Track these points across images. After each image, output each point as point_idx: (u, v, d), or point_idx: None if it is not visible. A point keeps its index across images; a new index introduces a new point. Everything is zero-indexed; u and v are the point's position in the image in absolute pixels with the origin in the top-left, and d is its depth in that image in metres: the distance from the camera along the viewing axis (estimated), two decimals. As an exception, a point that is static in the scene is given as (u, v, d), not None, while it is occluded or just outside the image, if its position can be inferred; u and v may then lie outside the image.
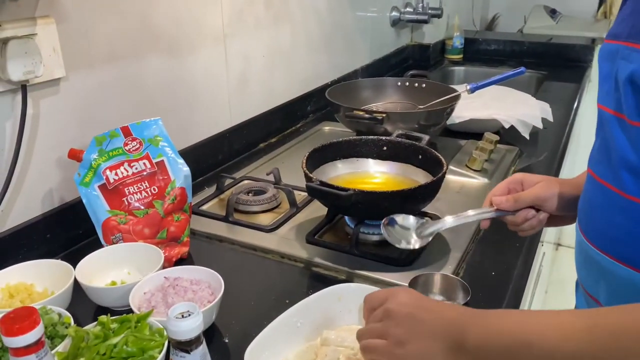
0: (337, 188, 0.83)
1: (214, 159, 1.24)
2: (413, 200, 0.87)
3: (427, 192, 0.87)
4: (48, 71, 0.83)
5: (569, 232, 2.63)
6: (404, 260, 0.86)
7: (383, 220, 0.79)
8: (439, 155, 0.95)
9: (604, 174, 0.62)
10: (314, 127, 1.51)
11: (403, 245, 0.79)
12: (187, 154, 1.13)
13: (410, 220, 0.81)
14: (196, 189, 1.13)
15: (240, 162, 1.29)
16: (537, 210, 0.77)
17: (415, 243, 0.79)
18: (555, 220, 0.80)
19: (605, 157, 0.62)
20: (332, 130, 1.48)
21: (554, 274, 2.40)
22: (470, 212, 0.79)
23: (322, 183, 0.85)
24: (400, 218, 0.81)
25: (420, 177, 1.00)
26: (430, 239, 0.80)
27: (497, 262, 0.87)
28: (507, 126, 1.34)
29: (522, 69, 1.28)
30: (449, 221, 0.79)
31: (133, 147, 0.87)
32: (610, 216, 0.61)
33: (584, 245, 0.66)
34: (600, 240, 0.64)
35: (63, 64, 0.85)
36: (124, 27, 0.96)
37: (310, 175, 0.88)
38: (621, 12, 0.64)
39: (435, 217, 0.98)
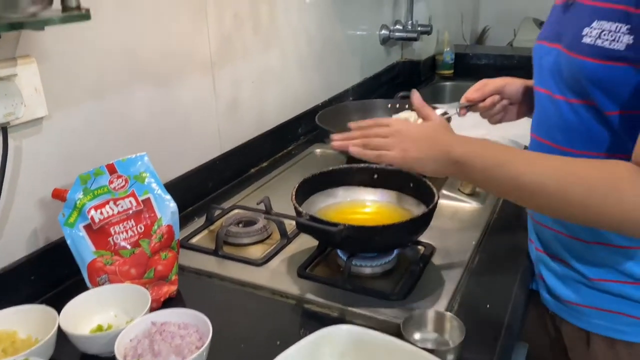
0: (327, 223, 0.82)
1: (204, 187, 1.23)
2: (405, 233, 0.85)
3: (419, 224, 0.86)
4: (30, 111, 0.81)
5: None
6: (398, 294, 0.84)
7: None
8: (430, 184, 0.94)
9: (545, 135, 0.83)
10: (305, 150, 1.50)
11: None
12: (177, 184, 1.13)
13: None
14: (186, 219, 1.11)
15: (231, 189, 1.27)
16: (501, 98, 1.00)
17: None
18: (520, 110, 1.03)
19: (541, 122, 0.85)
20: (323, 153, 1.46)
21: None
22: (451, 106, 1.02)
23: (312, 218, 0.84)
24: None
25: (412, 205, 0.98)
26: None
27: (491, 294, 0.86)
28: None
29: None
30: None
31: (118, 185, 0.85)
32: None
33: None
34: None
35: (45, 103, 0.83)
36: (109, 62, 0.95)
37: (300, 209, 0.87)
38: (547, 20, 0.87)
39: (428, 247, 0.97)
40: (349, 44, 1.82)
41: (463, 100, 1.02)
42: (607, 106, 0.71)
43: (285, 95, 1.50)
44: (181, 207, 1.12)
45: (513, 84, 1.01)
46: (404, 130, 0.78)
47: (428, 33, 2.10)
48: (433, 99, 2.19)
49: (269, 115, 1.44)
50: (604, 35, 0.69)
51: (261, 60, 1.37)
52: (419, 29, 2.06)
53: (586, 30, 0.71)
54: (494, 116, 1.03)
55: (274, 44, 1.41)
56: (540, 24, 2.83)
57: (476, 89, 1.02)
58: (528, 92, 0.99)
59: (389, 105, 1.42)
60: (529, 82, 0.99)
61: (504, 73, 2.22)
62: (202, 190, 1.22)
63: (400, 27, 2.09)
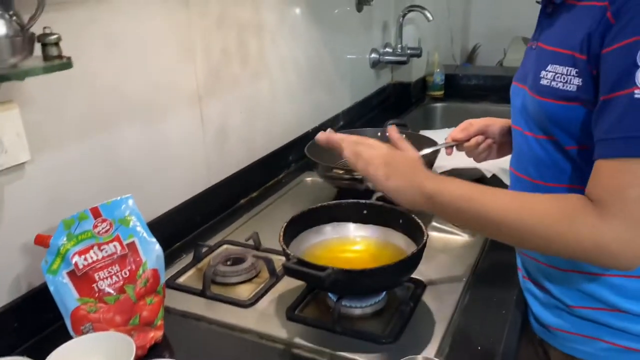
0: (315, 267, 0.80)
1: (192, 222, 1.21)
2: (394, 275, 0.84)
3: (409, 265, 0.85)
4: (11, 157, 0.80)
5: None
6: (388, 336, 0.83)
7: None
8: (419, 221, 0.93)
9: (520, 168, 0.88)
10: (296, 178, 1.49)
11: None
12: (164, 220, 1.12)
13: None
14: (173, 256, 1.10)
15: (220, 222, 1.26)
16: (485, 138, 1.04)
17: None
18: (503, 149, 1.06)
19: (517, 157, 0.90)
20: (314, 182, 1.46)
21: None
22: (437, 146, 1.07)
23: (299, 262, 0.82)
24: None
25: (401, 241, 0.98)
26: None
27: (482, 335, 0.84)
28: (489, 175, 1.33)
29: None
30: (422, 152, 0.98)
31: (103, 229, 0.84)
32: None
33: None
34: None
35: (28, 147, 0.82)
36: (94, 102, 0.94)
37: (288, 251, 0.86)
38: (521, 62, 0.90)
39: (418, 284, 0.96)
40: (338, 69, 1.82)
41: (449, 139, 1.06)
42: (566, 141, 0.77)
43: (275, 124, 1.50)
44: (168, 243, 1.12)
45: (495, 125, 1.05)
46: (396, 156, 0.82)
47: (418, 56, 2.11)
48: (424, 120, 2.20)
49: (258, 145, 1.43)
50: (557, 77, 0.74)
51: (249, 91, 1.37)
52: (408, 52, 2.07)
53: (543, 72, 0.77)
54: (479, 155, 1.07)
55: (262, 74, 1.41)
56: (529, 43, 2.85)
57: (461, 129, 1.06)
58: (509, 132, 1.02)
59: (379, 134, 1.42)
60: (510, 122, 1.02)
61: (494, 93, 2.27)
62: (190, 224, 1.20)
63: (390, 50, 2.09)
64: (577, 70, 0.71)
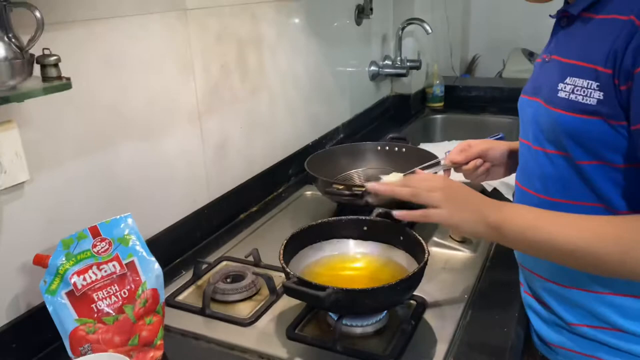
0: (315, 287, 0.80)
1: (192, 237, 1.21)
2: (395, 294, 0.84)
3: (410, 284, 0.85)
4: (10, 177, 0.80)
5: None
6: (389, 356, 0.82)
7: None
8: (419, 238, 0.93)
9: (527, 183, 0.87)
10: (296, 192, 1.48)
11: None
12: (164, 236, 1.12)
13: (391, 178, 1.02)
14: (173, 273, 1.10)
15: (220, 237, 1.25)
16: (484, 161, 1.05)
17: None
18: (503, 171, 1.08)
19: (523, 171, 0.90)
20: (314, 196, 1.45)
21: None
22: (435, 168, 1.06)
23: (300, 281, 0.82)
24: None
25: (402, 258, 0.97)
26: None
27: (485, 353, 0.84)
28: (489, 189, 1.33)
29: (501, 135, 1.27)
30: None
31: (102, 248, 0.83)
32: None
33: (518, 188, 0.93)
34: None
35: (27, 167, 0.82)
36: (94, 120, 0.94)
37: (287, 269, 0.85)
38: (530, 77, 0.90)
39: (420, 301, 0.95)
40: (337, 82, 1.82)
41: (447, 161, 1.06)
42: (578, 156, 0.76)
43: (275, 138, 1.50)
44: (168, 260, 1.12)
45: (497, 149, 1.05)
46: (454, 187, 0.83)
47: (417, 68, 2.11)
48: (424, 132, 2.20)
49: (258, 159, 1.43)
50: (577, 90, 0.74)
51: (249, 106, 1.37)
52: (407, 64, 2.07)
53: (560, 85, 0.76)
54: (477, 178, 1.07)
55: (261, 89, 1.41)
56: (529, 54, 2.86)
57: (460, 151, 1.06)
58: (512, 156, 1.04)
59: (379, 148, 1.42)
60: (514, 145, 1.04)
61: (493, 105, 2.27)
62: (189, 240, 1.20)
63: (390, 63, 2.10)
64: (598, 84, 0.71)
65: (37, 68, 0.72)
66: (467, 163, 1.05)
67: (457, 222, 0.80)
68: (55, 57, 0.70)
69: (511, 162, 1.05)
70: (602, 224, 0.72)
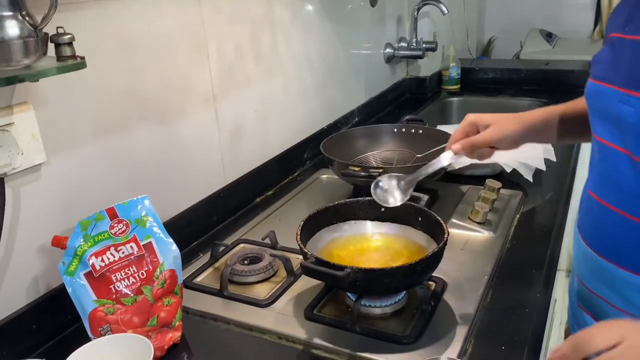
0: (333, 267, 0.79)
1: (209, 221, 1.21)
2: (415, 274, 0.82)
3: (429, 264, 0.83)
4: (27, 159, 0.80)
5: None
6: (409, 337, 0.81)
7: (372, 185, 0.93)
8: (439, 218, 0.91)
9: (613, 200, 0.71)
10: (311, 176, 1.47)
11: (391, 203, 0.92)
12: (181, 219, 1.11)
13: (393, 181, 0.94)
14: (190, 255, 1.09)
15: (236, 221, 1.25)
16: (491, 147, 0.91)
17: (398, 199, 0.93)
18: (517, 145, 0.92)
19: (612, 186, 0.72)
20: (330, 179, 1.44)
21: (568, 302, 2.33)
22: (435, 162, 0.93)
23: (318, 261, 0.81)
24: (384, 182, 0.94)
25: (421, 239, 0.96)
26: (410, 192, 0.93)
27: (506, 335, 0.82)
28: (509, 170, 1.31)
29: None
30: (421, 172, 0.92)
31: (119, 230, 0.83)
32: (622, 235, 0.70)
33: (590, 255, 0.77)
34: (613, 254, 0.73)
35: (43, 149, 0.82)
36: (109, 102, 0.94)
37: (305, 250, 0.84)
38: (600, 55, 0.74)
39: (439, 282, 0.94)
40: (352, 65, 1.80)
41: (449, 147, 0.93)
42: None
43: (289, 121, 1.48)
44: (185, 243, 1.11)
45: (513, 136, 0.89)
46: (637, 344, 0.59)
47: (433, 50, 2.08)
48: (441, 115, 2.17)
49: (273, 143, 1.42)
50: None
51: (264, 89, 1.36)
52: (423, 46, 2.04)
53: None
54: (480, 157, 0.94)
55: (276, 72, 1.39)
56: (547, 35, 2.80)
57: (464, 144, 0.90)
58: (525, 137, 0.90)
59: (395, 130, 1.40)
60: (526, 121, 0.89)
61: (511, 87, 2.22)
62: (206, 224, 1.20)
63: (405, 45, 2.07)
64: None
65: (51, 49, 0.72)
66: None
67: None
68: (69, 36, 0.69)
69: (526, 139, 0.90)
70: None
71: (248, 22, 1.27)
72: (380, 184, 0.94)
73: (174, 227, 0.99)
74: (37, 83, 0.80)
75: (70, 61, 0.69)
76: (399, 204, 0.92)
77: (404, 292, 0.89)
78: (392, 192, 0.93)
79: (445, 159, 0.92)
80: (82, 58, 0.71)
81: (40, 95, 0.82)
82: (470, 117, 0.92)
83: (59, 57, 0.69)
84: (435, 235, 0.91)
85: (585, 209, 0.78)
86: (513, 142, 0.90)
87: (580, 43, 2.85)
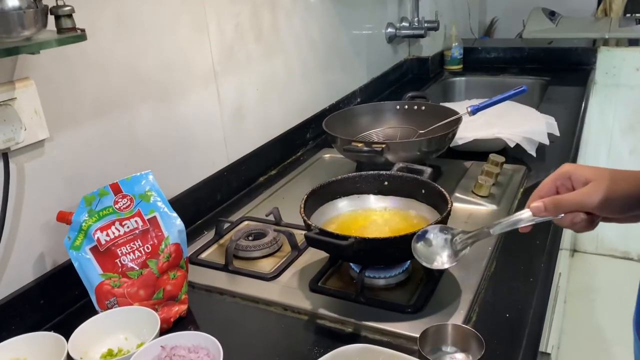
0: (337, 237, 0.79)
1: (212, 200, 1.21)
2: (418, 243, 0.82)
3: (433, 233, 0.83)
4: (30, 134, 0.80)
5: (586, 237, 2.58)
6: (413, 306, 0.81)
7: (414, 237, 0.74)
8: (442, 190, 0.91)
9: None
10: (314, 155, 1.47)
11: (435, 265, 0.72)
12: (185, 198, 1.12)
13: (443, 235, 0.74)
14: (195, 233, 1.10)
15: (240, 200, 1.25)
16: (588, 212, 0.65)
17: (447, 261, 0.73)
18: (617, 218, 0.67)
19: None
20: (332, 158, 1.44)
21: (571, 283, 2.34)
22: (506, 221, 0.69)
23: (321, 232, 0.81)
24: (431, 234, 0.74)
25: (424, 211, 0.96)
26: (465, 252, 0.73)
27: (510, 302, 0.83)
28: (512, 145, 1.30)
29: (524, 87, 1.23)
30: (484, 231, 0.71)
31: (124, 204, 0.84)
32: None
33: None
34: None
35: (46, 125, 0.82)
36: (110, 80, 0.94)
37: (309, 222, 0.85)
38: None
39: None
40: (354, 45, 1.79)
41: (527, 208, 0.68)
42: None
43: (291, 101, 1.48)
44: (189, 221, 1.12)
45: (619, 199, 0.64)
46: None
47: (435, 29, 2.06)
48: (443, 95, 2.16)
49: (275, 122, 1.42)
50: None
51: (265, 68, 1.35)
52: (425, 25, 2.03)
53: None
54: (578, 230, 0.68)
55: (277, 50, 1.39)
56: (550, 13, 2.78)
57: (547, 204, 0.66)
58: (631, 202, 0.64)
59: (397, 107, 1.39)
60: (636, 180, 0.64)
61: (514, 66, 2.21)
62: (210, 202, 1.20)
63: (407, 25, 2.05)
64: None
65: (51, 22, 0.72)
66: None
67: None
68: (69, 8, 0.69)
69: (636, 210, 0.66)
70: None
71: (248, 1, 1.26)
72: (427, 235, 0.75)
73: (177, 205, 0.99)
74: (38, 59, 0.80)
75: (70, 33, 0.69)
76: (446, 266, 0.74)
77: (408, 262, 0.89)
78: (438, 250, 0.74)
79: (522, 220, 0.69)
80: (83, 30, 0.71)
81: (41, 71, 0.82)
82: (565, 167, 0.68)
83: (59, 30, 0.69)
84: (439, 206, 0.91)
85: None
86: (620, 208, 0.65)
87: (584, 21, 2.82)
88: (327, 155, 1.46)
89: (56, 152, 0.86)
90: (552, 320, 1.36)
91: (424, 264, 0.73)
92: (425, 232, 0.74)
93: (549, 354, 0.93)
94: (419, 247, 0.74)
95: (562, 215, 0.66)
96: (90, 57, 0.89)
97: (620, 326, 0.62)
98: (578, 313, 2.25)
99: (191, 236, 1.07)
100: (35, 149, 0.82)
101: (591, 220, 0.66)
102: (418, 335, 0.71)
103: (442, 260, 0.73)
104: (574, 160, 1.37)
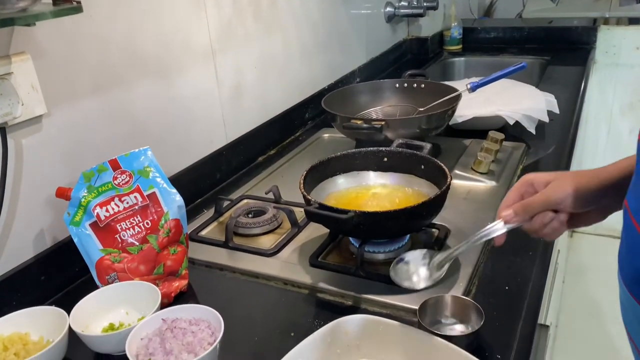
0: (337, 211, 0.79)
1: (212, 178, 1.21)
2: (418, 217, 0.83)
3: (432, 207, 0.83)
4: (28, 109, 0.79)
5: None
6: (413, 279, 0.82)
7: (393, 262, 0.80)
8: (442, 164, 0.91)
9: None
10: (313, 135, 1.47)
11: (406, 284, 0.78)
12: (184, 176, 1.11)
13: (416, 255, 0.80)
14: (194, 212, 1.10)
15: (239, 179, 1.25)
16: (555, 211, 0.68)
17: (421, 282, 0.78)
18: (583, 218, 0.70)
19: None
20: (331, 138, 1.44)
21: (570, 262, 2.35)
22: (481, 233, 0.73)
23: (321, 206, 0.81)
24: (408, 255, 0.80)
25: (423, 187, 0.96)
26: (444, 270, 0.78)
27: (510, 276, 0.83)
28: (511, 122, 1.30)
29: (524, 63, 1.23)
30: (459, 250, 0.75)
31: (123, 180, 0.84)
32: None
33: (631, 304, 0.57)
34: None
35: (44, 100, 0.82)
36: (107, 55, 0.93)
37: (309, 197, 0.84)
38: None
39: (442, 229, 0.94)
40: (353, 24, 1.77)
41: (498, 220, 0.72)
42: None
43: (290, 80, 1.47)
44: (189, 200, 1.12)
45: (578, 193, 0.66)
46: None
47: (434, 8, 2.04)
48: (443, 75, 2.15)
49: (274, 102, 1.41)
50: None
51: (263, 46, 1.34)
52: (424, 4, 2.01)
53: None
54: (551, 235, 0.71)
55: (275, 28, 1.38)
56: (550, -7, 2.75)
57: (516, 209, 0.70)
58: (594, 196, 0.67)
59: (397, 85, 1.39)
60: (596, 175, 0.67)
61: (514, 46, 2.20)
62: (209, 181, 1.20)
63: (406, 4, 2.03)
64: None
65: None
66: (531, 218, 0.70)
67: None
68: (64, -21, 0.68)
69: (607, 201, 0.68)
70: None
71: (245, -23, 1.25)
72: (406, 258, 0.79)
73: (177, 183, 0.99)
74: (34, 33, 0.80)
75: (66, 5, 0.68)
76: (422, 286, 0.77)
77: (407, 237, 0.89)
78: (417, 271, 0.79)
79: (496, 230, 0.72)
80: (79, 2, 0.70)
81: (38, 46, 0.81)
82: (526, 176, 0.72)
83: (55, 1, 0.68)
84: (438, 181, 0.91)
85: (623, 233, 0.58)
86: (583, 201, 0.67)
87: (584, 0, 2.80)
88: (326, 135, 1.46)
89: (54, 128, 0.85)
90: (551, 295, 1.37)
91: (400, 284, 0.78)
92: (403, 257, 0.80)
93: (547, 326, 0.94)
94: (398, 267, 0.79)
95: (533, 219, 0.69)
96: (86, 33, 0.88)
97: (618, 305, 0.62)
98: (576, 292, 2.27)
99: (191, 214, 1.07)
100: (33, 124, 0.82)
101: (560, 221, 0.68)
102: (417, 308, 0.72)
103: (417, 280, 0.78)
104: (573, 139, 1.37)
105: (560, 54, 2.07)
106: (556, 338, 1.91)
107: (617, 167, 0.67)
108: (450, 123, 1.28)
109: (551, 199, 0.68)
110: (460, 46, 2.24)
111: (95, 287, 0.81)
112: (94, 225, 0.81)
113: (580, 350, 2.01)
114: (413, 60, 2.17)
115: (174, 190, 0.86)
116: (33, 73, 0.79)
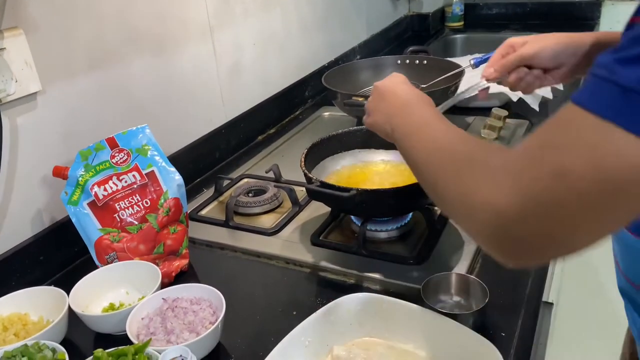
0: (339, 189, 0.78)
1: (211, 157, 1.19)
2: (419, 195, 0.81)
3: (435, 184, 0.82)
4: (22, 86, 0.77)
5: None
6: (415, 258, 0.81)
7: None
8: (446, 141, 0.89)
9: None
10: (313, 114, 1.45)
11: None
12: (183, 155, 1.10)
13: None
14: (194, 191, 1.09)
15: (239, 158, 1.24)
16: (530, 67, 0.77)
17: None
18: (555, 74, 0.78)
19: None
20: (332, 116, 1.42)
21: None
22: (468, 88, 0.83)
23: (323, 184, 0.80)
24: None
25: (427, 165, 0.94)
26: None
27: (514, 253, 0.82)
28: (515, 99, 1.28)
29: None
30: (446, 102, 0.83)
31: (120, 159, 0.82)
32: None
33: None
34: None
35: (38, 77, 0.80)
36: (102, 31, 0.91)
37: (310, 175, 0.83)
38: None
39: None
40: (353, 0, 1.74)
41: (481, 79, 0.83)
42: None
43: (289, 57, 1.45)
44: (189, 179, 1.10)
45: (548, 49, 0.75)
46: (381, 90, 0.70)
47: (436, -16, 2.00)
48: (444, 52, 2.12)
49: (273, 80, 1.39)
50: None
51: (262, 22, 1.31)
52: (426, -21, 1.97)
53: None
54: (527, 88, 0.80)
55: (274, 4, 1.35)
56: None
57: (495, 66, 0.80)
58: (567, 53, 0.75)
59: (399, 62, 1.36)
60: (571, 36, 0.76)
61: (517, 22, 2.16)
62: (209, 160, 1.18)
63: (407, -21, 1.99)
64: None
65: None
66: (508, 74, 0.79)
67: (371, 127, 0.69)
68: (55, -51, 0.65)
69: (584, 60, 0.74)
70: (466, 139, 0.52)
71: (243, -50, 1.21)
72: None
73: (176, 162, 0.97)
74: (27, 7, 0.77)
75: (58, -23, 0.66)
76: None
77: (410, 215, 0.88)
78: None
79: (479, 85, 0.81)
80: (71, -26, 0.67)
81: (30, 21, 0.79)
82: (509, 40, 0.80)
83: (46, -27, 0.66)
84: (442, 159, 0.90)
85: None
86: (553, 58, 0.75)
87: (588, -24, 2.74)
88: (327, 113, 1.44)
89: (49, 106, 0.83)
90: (554, 274, 1.36)
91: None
92: None
93: (551, 303, 0.93)
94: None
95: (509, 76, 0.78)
96: (80, 7, 0.86)
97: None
98: (577, 280, 2.27)
99: (190, 194, 1.06)
100: (27, 102, 0.80)
101: (534, 75, 0.78)
102: (421, 286, 0.71)
103: None
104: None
105: (564, 29, 2.01)
106: (557, 316, 1.92)
107: (592, 35, 0.75)
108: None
109: (524, 54, 0.77)
110: (461, 23, 2.21)
111: (95, 267, 0.80)
112: (92, 205, 0.80)
113: (580, 327, 2.02)
114: (414, 37, 2.14)
115: (173, 169, 0.85)
116: (26, 49, 0.77)
